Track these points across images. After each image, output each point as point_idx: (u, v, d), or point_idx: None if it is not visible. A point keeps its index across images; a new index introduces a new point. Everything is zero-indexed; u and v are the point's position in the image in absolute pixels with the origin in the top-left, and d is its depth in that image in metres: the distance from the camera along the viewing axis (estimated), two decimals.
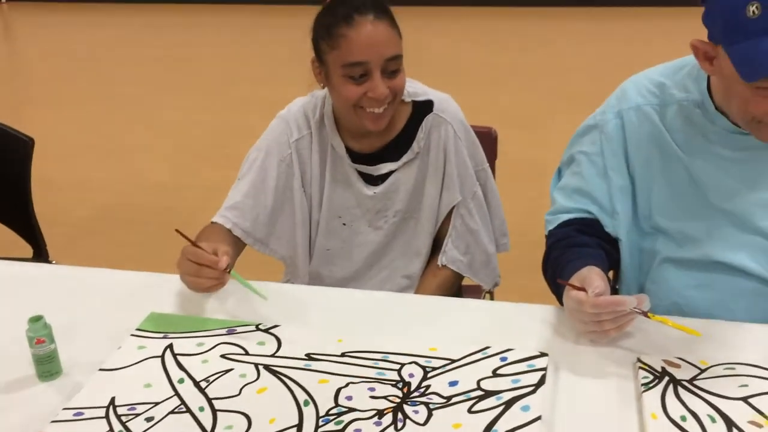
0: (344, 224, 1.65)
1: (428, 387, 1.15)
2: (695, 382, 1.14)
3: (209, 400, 1.13)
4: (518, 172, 3.31)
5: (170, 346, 1.26)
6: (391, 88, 1.46)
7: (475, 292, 1.83)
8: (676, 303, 1.40)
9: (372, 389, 1.14)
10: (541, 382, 1.15)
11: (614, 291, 1.50)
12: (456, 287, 1.69)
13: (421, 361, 1.21)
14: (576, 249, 1.37)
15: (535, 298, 1.44)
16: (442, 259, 1.63)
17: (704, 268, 1.38)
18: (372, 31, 1.42)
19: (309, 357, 1.22)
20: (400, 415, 1.09)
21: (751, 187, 1.33)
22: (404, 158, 1.59)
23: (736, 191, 1.34)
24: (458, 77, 5.25)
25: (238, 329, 1.31)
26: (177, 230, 1.38)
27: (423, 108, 1.60)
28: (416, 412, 1.09)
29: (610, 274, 1.49)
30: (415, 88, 1.61)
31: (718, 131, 1.32)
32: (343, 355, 1.23)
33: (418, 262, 1.66)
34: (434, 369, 1.19)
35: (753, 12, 1.11)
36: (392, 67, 1.45)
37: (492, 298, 1.83)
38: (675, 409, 1.09)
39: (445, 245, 1.64)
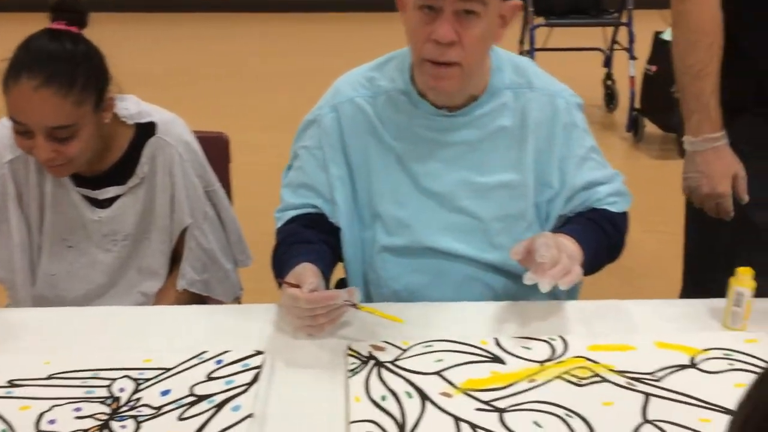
0: (70, 246, 1.58)
1: (139, 399, 1.13)
2: (397, 363, 1.23)
3: None
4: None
5: None
6: (60, 153, 1.40)
7: None
8: (395, 290, 1.49)
9: (78, 409, 1.11)
10: (255, 380, 1.18)
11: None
12: (198, 300, 1.68)
13: (134, 373, 1.19)
14: (297, 246, 1.41)
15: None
16: (181, 283, 1.62)
17: (416, 254, 1.47)
18: (32, 97, 1.35)
19: (11, 384, 1.16)
20: None
21: (453, 169, 1.42)
22: (130, 183, 1.56)
23: (441, 173, 1.42)
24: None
25: None
26: None
27: (146, 130, 1.56)
28: (123, 427, 1.07)
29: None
30: (139, 109, 1.57)
31: (421, 115, 1.41)
32: (49, 377, 1.17)
33: (155, 281, 1.64)
34: (147, 380, 1.17)
35: None
36: (61, 135, 1.39)
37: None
38: (377, 390, 1.16)
39: (182, 268, 1.63)
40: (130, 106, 1.55)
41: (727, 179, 1.54)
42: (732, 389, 1.15)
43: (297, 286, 1.26)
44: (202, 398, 1.13)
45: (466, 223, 1.44)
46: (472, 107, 1.40)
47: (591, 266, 1.37)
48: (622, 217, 1.51)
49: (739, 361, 1.21)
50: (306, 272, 1.29)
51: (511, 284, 1.48)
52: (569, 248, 1.31)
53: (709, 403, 1.12)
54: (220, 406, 1.12)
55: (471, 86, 1.39)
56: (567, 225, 1.45)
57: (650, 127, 4.26)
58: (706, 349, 1.25)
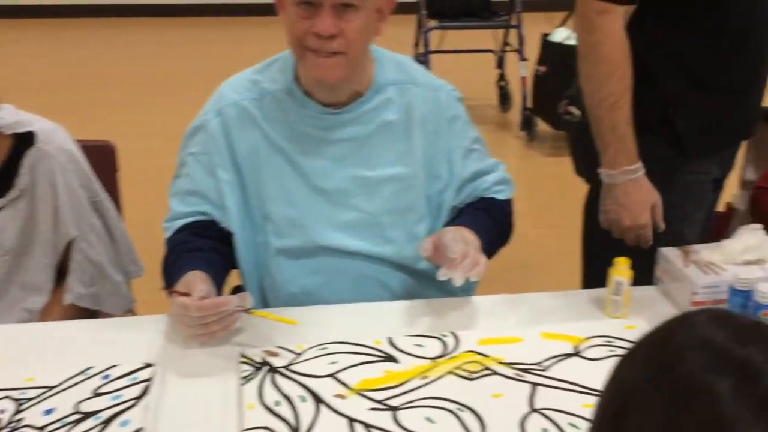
0: None
1: (21, 420, 1.09)
2: (291, 367, 1.22)
3: None
4: None
5: None
6: None
7: None
8: (292, 293, 1.48)
9: None
10: (144, 393, 1.15)
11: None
12: (88, 315, 1.63)
13: (15, 394, 1.14)
14: (187, 254, 1.39)
15: None
16: (67, 298, 1.56)
17: (311, 254, 1.46)
18: None
19: None
20: None
21: (343, 165, 1.43)
22: (9, 195, 1.49)
23: (331, 170, 1.43)
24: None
25: None
26: None
27: (25, 141, 1.50)
28: None
29: None
30: (17, 119, 1.50)
31: (308, 113, 1.41)
32: None
33: (40, 297, 1.57)
34: (29, 400, 1.13)
35: None
36: None
37: None
38: (270, 395, 1.16)
39: (69, 282, 1.57)
40: (7, 116, 1.48)
41: (647, 210, 1.53)
42: None
43: (187, 294, 1.24)
44: (88, 415, 1.10)
45: (358, 218, 1.45)
46: (358, 104, 1.42)
47: (487, 254, 1.41)
48: (508, 203, 1.57)
49: (620, 347, 1.27)
50: (195, 280, 1.27)
51: (406, 279, 1.50)
52: (473, 241, 1.35)
53: (592, 389, 1.17)
54: (107, 422, 1.09)
55: (355, 82, 1.40)
56: (460, 217, 1.48)
57: (542, 126, 4.40)
58: (588, 338, 1.30)
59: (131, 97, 5.05)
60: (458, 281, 1.27)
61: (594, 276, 1.80)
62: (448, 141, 1.47)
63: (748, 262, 1.38)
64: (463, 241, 1.32)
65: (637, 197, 1.52)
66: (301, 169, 1.43)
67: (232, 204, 1.44)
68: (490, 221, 1.48)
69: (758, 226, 1.44)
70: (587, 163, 1.68)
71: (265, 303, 1.50)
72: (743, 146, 1.87)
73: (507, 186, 1.56)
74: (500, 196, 1.54)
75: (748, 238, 1.41)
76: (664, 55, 1.53)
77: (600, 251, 1.74)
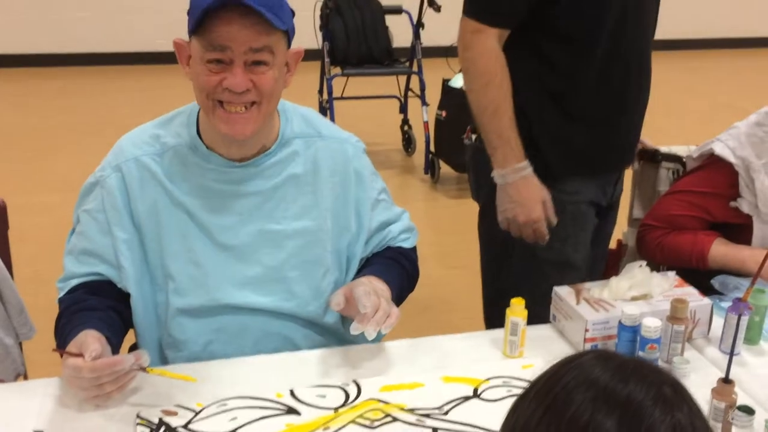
0: None
1: None
2: (189, 426, 1.20)
3: None
4: None
5: None
6: None
7: None
8: (194, 352, 1.44)
9: None
10: None
11: None
12: None
13: None
14: (80, 314, 1.34)
15: None
16: None
17: (214, 313, 1.43)
18: None
19: None
20: None
21: (249, 220, 1.41)
22: None
23: (236, 225, 1.40)
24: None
25: None
26: None
27: None
28: None
29: None
30: None
31: (212, 169, 1.39)
32: None
33: None
34: None
35: None
36: None
37: None
38: None
39: None
40: None
41: (539, 204, 1.66)
42: None
43: (79, 355, 1.20)
44: None
45: (263, 274, 1.43)
46: (263, 157, 1.41)
47: (397, 302, 1.43)
48: (414, 250, 1.61)
49: (516, 386, 1.30)
50: (87, 339, 1.23)
51: (312, 334, 1.49)
52: (385, 292, 1.37)
53: (490, 429, 1.19)
54: None
55: (262, 136, 1.39)
56: (370, 266, 1.50)
57: (445, 168, 4.50)
58: (487, 379, 1.33)
59: (23, 148, 4.88)
60: (371, 335, 1.28)
61: (491, 313, 1.87)
62: (357, 193, 1.49)
63: (635, 298, 1.45)
64: (374, 293, 1.33)
65: (528, 193, 1.66)
66: (205, 225, 1.40)
67: (128, 264, 1.39)
68: (399, 269, 1.51)
69: (643, 262, 1.51)
70: (478, 179, 1.80)
71: (164, 361, 1.46)
72: (628, 184, 1.98)
73: (412, 234, 1.60)
74: (406, 245, 1.57)
75: (634, 275, 1.48)
76: (533, 84, 1.67)
77: (496, 289, 1.82)
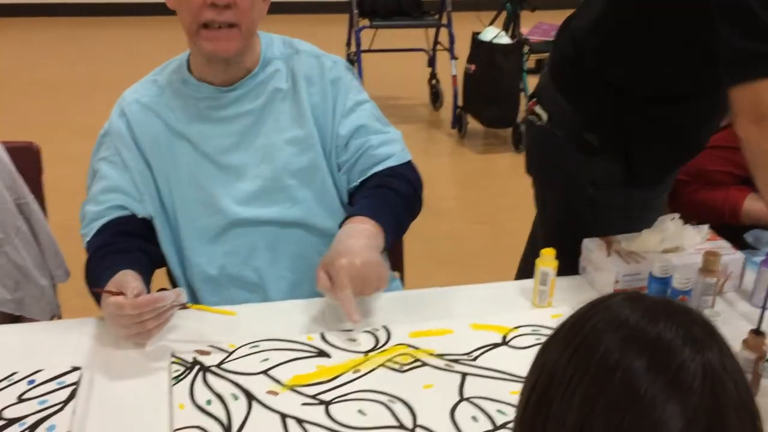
0: None
1: None
2: (222, 366, 1.22)
3: None
4: None
5: None
6: None
7: None
8: (211, 276, 1.47)
9: None
10: (71, 397, 1.13)
11: None
12: (11, 320, 1.58)
13: None
14: (111, 257, 1.36)
15: None
16: None
17: (223, 234, 1.47)
18: None
19: None
20: None
21: (244, 139, 1.47)
22: None
23: (233, 146, 1.47)
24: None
25: None
26: None
27: None
28: None
29: None
30: None
31: (204, 97, 1.46)
32: None
33: None
34: None
35: None
36: None
37: None
38: (202, 395, 1.15)
39: None
40: None
41: None
42: None
43: (120, 293, 1.22)
44: (12, 422, 1.07)
45: (264, 186, 1.47)
46: (249, 79, 1.47)
47: (396, 231, 1.43)
48: (407, 166, 1.53)
49: (545, 335, 1.29)
50: (127, 278, 1.25)
51: (316, 241, 1.50)
52: (361, 242, 1.31)
53: (519, 376, 1.20)
54: (32, 428, 1.06)
55: (246, 60, 1.45)
56: (359, 202, 1.46)
57: (473, 123, 4.47)
58: (516, 327, 1.34)
59: (53, 98, 4.92)
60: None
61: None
62: (334, 99, 1.51)
63: (667, 251, 1.44)
64: (357, 276, 1.26)
65: None
66: (204, 150, 1.46)
67: (147, 191, 1.46)
68: (392, 196, 1.46)
69: (676, 215, 1.50)
70: (541, 165, 1.73)
71: (192, 295, 1.50)
72: None
73: (397, 147, 1.53)
74: (394, 161, 1.51)
75: (667, 227, 1.47)
76: (647, 116, 1.51)
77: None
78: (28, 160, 1.72)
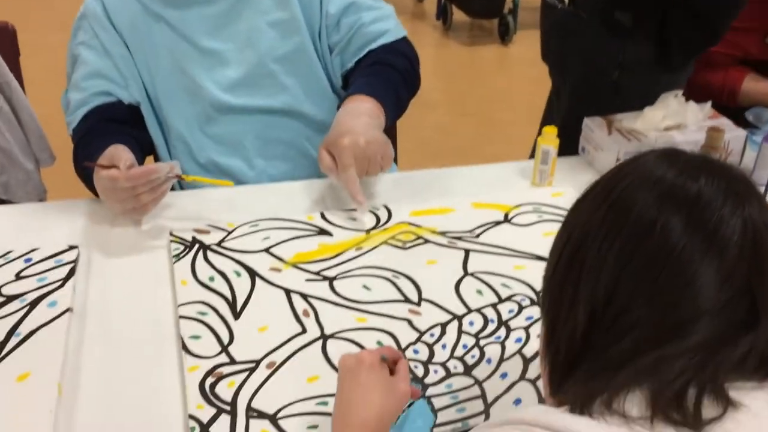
0: None
1: None
2: (223, 244, 1.20)
3: None
4: None
5: None
6: None
7: None
8: (201, 165, 1.43)
9: None
10: (70, 274, 1.11)
11: None
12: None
13: None
14: (100, 138, 1.31)
15: None
16: None
17: (208, 120, 1.42)
18: None
19: None
20: None
21: (225, 22, 1.38)
22: None
23: (214, 30, 1.38)
24: None
25: None
26: None
27: None
28: None
29: None
30: None
31: None
32: None
33: None
34: None
35: None
36: None
37: None
38: (203, 272, 1.14)
39: None
40: None
41: None
42: (541, 238, 1.23)
43: (112, 166, 1.17)
44: (11, 298, 1.06)
45: (248, 71, 1.41)
46: None
47: (397, 109, 1.39)
48: (405, 43, 1.48)
49: (547, 213, 1.30)
50: (118, 151, 1.20)
51: (306, 129, 1.46)
52: (363, 120, 1.28)
53: (522, 251, 1.20)
54: (33, 304, 1.05)
55: None
56: (357, 81, 1.41)
57: (458, 14, 4.35)
58: (517, 205, 1.32)
59: None
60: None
61: None
62: None
63: (669, 128, 1.42)
64: (361, 156, 1.23)
65: None
66: (185, 34, 1.38)
67: (131, 74, 1.38)
68: (391, 73, 1.41)
69: (679, 92, 1.47)
70: (561, 51, 1.66)
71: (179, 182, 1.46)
72: None
73: (390, 21, 1.48)
74: (389, 38, 1.45)
75: (669, 104, 1.44)
76: None
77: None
78: (3, 42, 1.64)
